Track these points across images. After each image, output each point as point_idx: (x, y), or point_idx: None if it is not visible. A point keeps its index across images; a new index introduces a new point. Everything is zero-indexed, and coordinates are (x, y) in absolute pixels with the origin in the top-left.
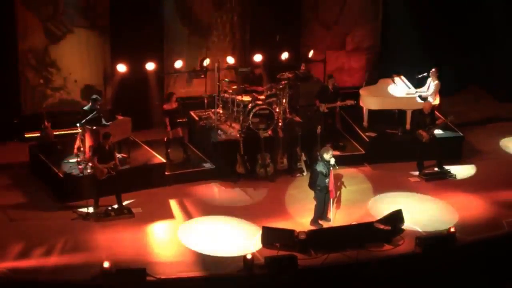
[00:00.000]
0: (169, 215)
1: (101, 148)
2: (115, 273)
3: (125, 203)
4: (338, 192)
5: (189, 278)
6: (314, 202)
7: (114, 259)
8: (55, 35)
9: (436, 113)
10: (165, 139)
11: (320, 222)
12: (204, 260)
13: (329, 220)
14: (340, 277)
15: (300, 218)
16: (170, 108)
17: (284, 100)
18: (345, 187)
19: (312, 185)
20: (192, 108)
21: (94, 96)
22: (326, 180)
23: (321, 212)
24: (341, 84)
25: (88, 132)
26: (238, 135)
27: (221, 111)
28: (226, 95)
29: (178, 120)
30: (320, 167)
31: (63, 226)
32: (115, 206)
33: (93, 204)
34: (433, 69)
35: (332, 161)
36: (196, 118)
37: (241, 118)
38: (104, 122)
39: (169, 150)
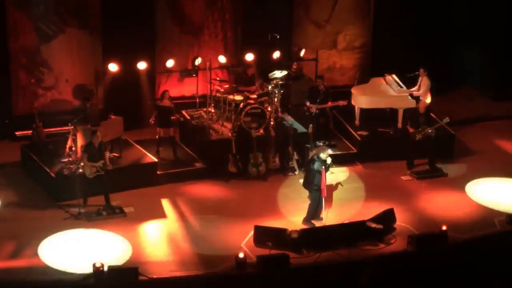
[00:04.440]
0: (161, 214)
1: (91, 146)
2: (107, 272)
3: (116, 202)
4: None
5: (181, 278)
6: (307, 201)
7: (105, 259)
8: (47, 35)
9: (432, 115)
10: (157, 137)
11: (312, 221)
12: (196, 259)
13: (321, 219)
14: (332, 275)
15: (292, 217)
16: (161, 104)
17: (276, 99)
18: (341, 185)
19: (308, 185)
20: (183, 107)
21: (85, 96)
22: None
23: (314, 211)
24: (332, 83)
25: (79, 132)
26: (230, 134)
27: (212, 110)
28: (218, 94)
29: (172, 118)
30: (317, 167)
31: (55, 226)
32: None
33: (82, 203)
34: (421, 68)
35: (329, 160)
36: (188, 117)
37: (233, 117)
38: (95, 121)
39: (160, 148)
